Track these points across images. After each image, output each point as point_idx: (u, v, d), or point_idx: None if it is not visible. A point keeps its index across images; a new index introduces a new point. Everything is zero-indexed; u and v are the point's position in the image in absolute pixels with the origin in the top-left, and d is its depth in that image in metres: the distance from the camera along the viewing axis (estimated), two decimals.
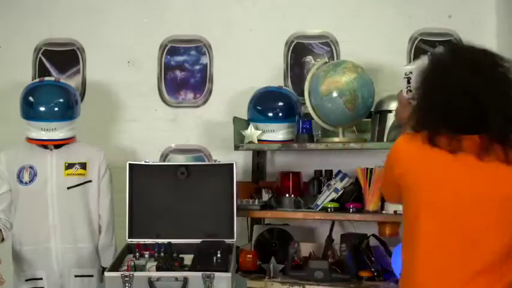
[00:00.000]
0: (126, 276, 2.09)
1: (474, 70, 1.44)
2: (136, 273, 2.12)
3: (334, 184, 2.64)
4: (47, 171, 2.47)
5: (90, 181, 2.52)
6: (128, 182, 2.49)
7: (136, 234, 2.48)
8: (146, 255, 2.39)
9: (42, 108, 2.44)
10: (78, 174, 2.50)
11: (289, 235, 2.75)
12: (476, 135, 1.44)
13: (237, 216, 2.56)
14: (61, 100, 2.48)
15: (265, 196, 2.78)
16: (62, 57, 3.20)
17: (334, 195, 2.62)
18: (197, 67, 3.18)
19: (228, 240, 2.44)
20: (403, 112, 1.80)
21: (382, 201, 2.60)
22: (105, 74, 3.15)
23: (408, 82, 1.92)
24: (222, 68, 3.15)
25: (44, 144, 2.48)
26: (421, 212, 1.45)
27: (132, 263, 2.27)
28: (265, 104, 2.76)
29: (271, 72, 3.05)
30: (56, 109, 2.46)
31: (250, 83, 2.93)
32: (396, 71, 2.94)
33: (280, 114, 2.74)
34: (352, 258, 2.52)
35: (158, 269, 2.25)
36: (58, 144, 2.49)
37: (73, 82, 3.05)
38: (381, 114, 2.59)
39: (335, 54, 3.02)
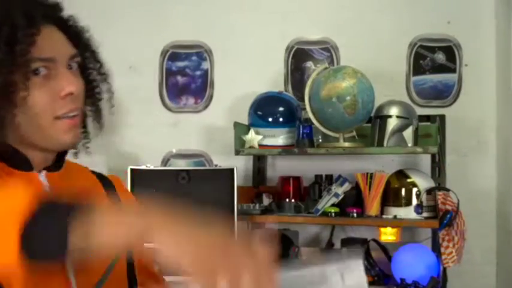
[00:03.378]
0: None
1: None
2: None
3: (334, 189, 2.65)
4: None
5: None
6: (129, 187, 2.51)
7: None
8: None
9: None
10: None
11: (290, 240, 2.76)
12: None
13: (237, 220, 2.58)
14: None
15: (266, 201, 2.80)
16: None
17: (334, 199, 2.63)
18: (198, 72, 3.20)
19: None
20: None
21: (383, 206, 2.61)
22: None
23: None
24: (223, 73, 3.16)
25: None
26: None
27: None
28: (266, 109, 2.77)
29: (272, 78, 3.06)
30: None
31: (251, 88, 2.94)
32: (396, 76, 2.97)
33: (281, 119, 2.75)
34: None
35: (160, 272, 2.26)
36: None
37: None
38: (381, 119, 2.60)
39: (335, 60, 3.03)
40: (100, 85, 1.06)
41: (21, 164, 0.93)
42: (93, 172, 1.12)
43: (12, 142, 0.93)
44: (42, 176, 0.96)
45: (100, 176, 1.12)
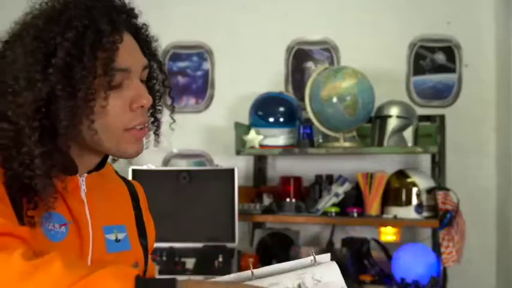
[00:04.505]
0: None
1: None
2: None
3: (334, 189, 2.67)
4: None
5: None
6: None
7: None
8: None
9: None
10: None
11: (290, 239, 2.77)
12: None
13: (238, 220, 2.59)
14: None
15: (267, 200, 2.81)
16: None
17: (334, 199, 2.65)
18: (199, 73, 3.21)
19: (229, 245, 2.46)
20: None
21: (383, 205, 2.62)
22: None
23: None
24: (223, 73, 3.17)
25: None
26: None
27: None
28: (267, 109, 2.78)
29: (273, 78, 3.07)
30: None
31: (252, 88, 2.95)
32: (396, 77, 2.98)
33: (282, 119, 2.76)
34: (352, 262, 2.54)
35: (160, 273, 2.27)
36: None
37: None
38: (381, 119, 2.61)
39: (335, 60, 3.04)
40: (162, 97, 1.05)
41: (69, 169, 0.94)
42: (117, 173, 1.13)
43: (72, 145, 0.92)
44: (82, 179, 0.97)
45: (126, 181, 1.13)
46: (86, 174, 0.98)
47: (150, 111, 1.03)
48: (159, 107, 1.06)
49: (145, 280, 0.73)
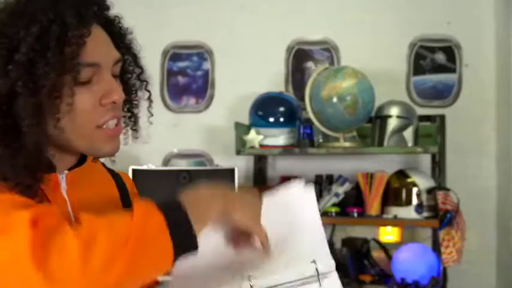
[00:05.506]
0: None
1: None
2: None
3: (334, 189, 2.67)
4: None
5: None
6: None
7: None
8: None
9: None
10: None
11: None
12: None
13: None
14: None
15: None
16: None
17: (335, 199, 2.65)
18: (199, 73, 3.21)
19: None
20: None
21: (383, 205, 2.62)
22: None
23: None
24: (223, 73, 3.17)
25: None
26: None
27: None
28: (267, 109, 2.78)
29: (273, 78, 3.07)
30: None
31: (252, 88, 2.95)
32: (396, 77, 2.98)
33: (282, 119, 2.76)
34: (352, 262, 2.53)
35: None
36: None
37: None
38: (381, 119, 2.61)
39: (335, 60, 3.04)
40: (138, 91, 1.02)
41: (45, 167, 0.90)
42: (104, 166, 1.10)
43: (48, 143, 0.89)
44: (62, 177, 0.94)
45: (113, 173, 1.10)
46: (66, 171, 0.94)
47: (127, 106, 1.00)
48: (135, 102, 1.02)
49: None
